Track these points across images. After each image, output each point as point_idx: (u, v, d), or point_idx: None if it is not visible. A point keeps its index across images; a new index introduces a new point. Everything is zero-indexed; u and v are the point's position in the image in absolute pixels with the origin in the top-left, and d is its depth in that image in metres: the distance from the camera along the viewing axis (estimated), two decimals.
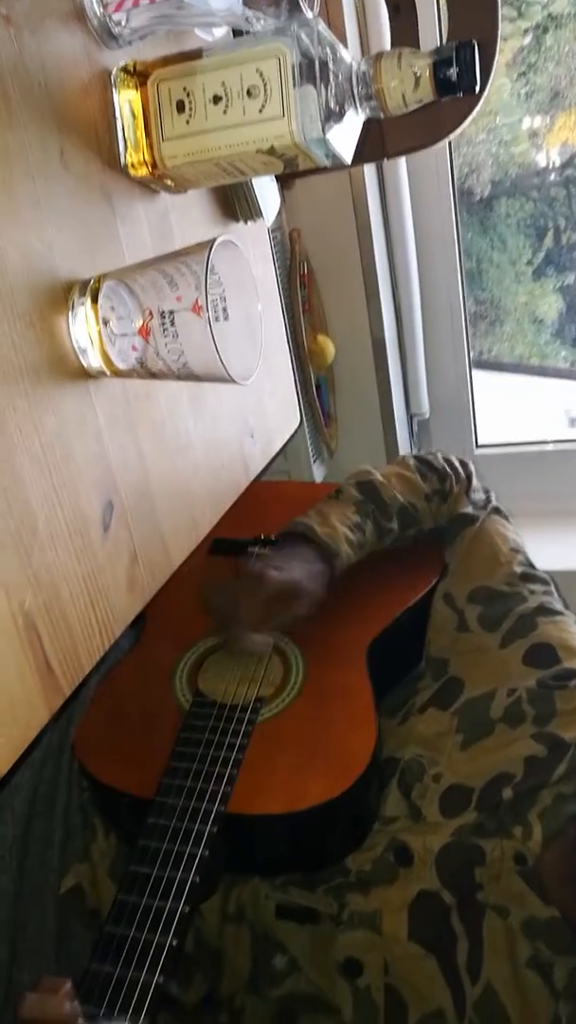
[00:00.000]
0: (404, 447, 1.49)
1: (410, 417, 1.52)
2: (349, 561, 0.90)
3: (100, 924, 0.83)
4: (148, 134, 0.61)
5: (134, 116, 0.61)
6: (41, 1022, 0.56)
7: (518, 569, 0.92)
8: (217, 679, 0.89)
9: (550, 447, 1.59)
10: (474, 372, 1.61)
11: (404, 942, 0.74)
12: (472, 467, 1.03)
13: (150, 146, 0.61)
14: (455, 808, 0.79)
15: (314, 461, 1.40)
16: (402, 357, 1.47)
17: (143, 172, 0.62)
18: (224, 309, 0.61)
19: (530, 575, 0.92)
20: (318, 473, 1.42)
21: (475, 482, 1.01)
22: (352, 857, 0.80)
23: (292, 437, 1.05)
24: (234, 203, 0.78)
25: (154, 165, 0.62)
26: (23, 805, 0.87)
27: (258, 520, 1.02)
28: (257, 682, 0.88)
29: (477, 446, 1.59)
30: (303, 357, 1.32)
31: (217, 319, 0.60)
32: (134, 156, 0.62)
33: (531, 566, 0.94)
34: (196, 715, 0.84)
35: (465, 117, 0.96)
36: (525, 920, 0.73)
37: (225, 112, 0.59)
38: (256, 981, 0.81)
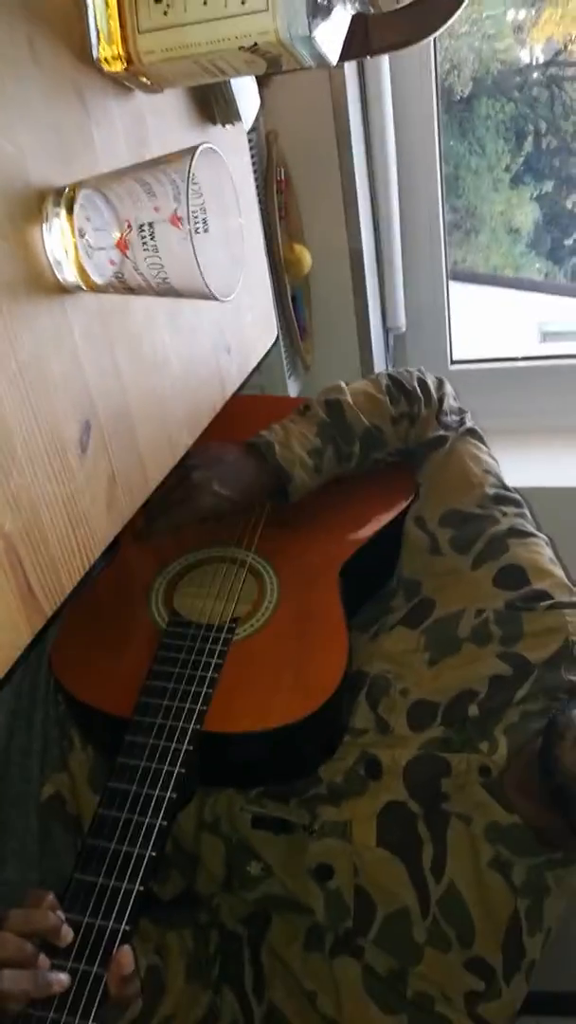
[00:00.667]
0: (379, 362, 1.47)
1: (386, 331, 1.49)
2: (304, 486, 0.90)
3: (81, 831, 0.86)
4: (123, 25, 0.57)
5: (107, 4, 0.57)
6: (28, 934, 0.58)
7: (490, 491, 0.93)
8: (193, 598, 0.90)
9: (521, 364, 1.58)
10: (449, 284, 1.58)
11: (373, 848, 0.78)
12: (448, 387, 1.02)
13: (124, 39, 0.57)
14: (421, 722, 0.82)
15: (289, 376, 1.37)
16: (379, 269, 1.43)
17: (117, 68, 0.58)
18: (204, 221, 0.58)
19: (502, 497, 0.93)
20: (293, 388, 1.39)
21: (449, 403, 1.00)
22: (324, 769, 0.82)
23: (269, 352, 1.03)
24: (212, 105, 0.74)
25: (129, 61, 0.58)
26: (3, 715, 0.88)
27: (233, 435, 1.00)
28: (232, 601, 0.89)
29: (452, 362, 1.57)
30: (279, 267, 1.28)
31: (197, 232, 0.58)
32: (108, 50, 0.57)
33: (504, 488, 0.94)
34: (172, 634, 0.85)
35: (456, 8, 0.90)
36: (488, 826, 0.77)
37: (205, 3, 0.55)
38: (231, 884, 0.85)
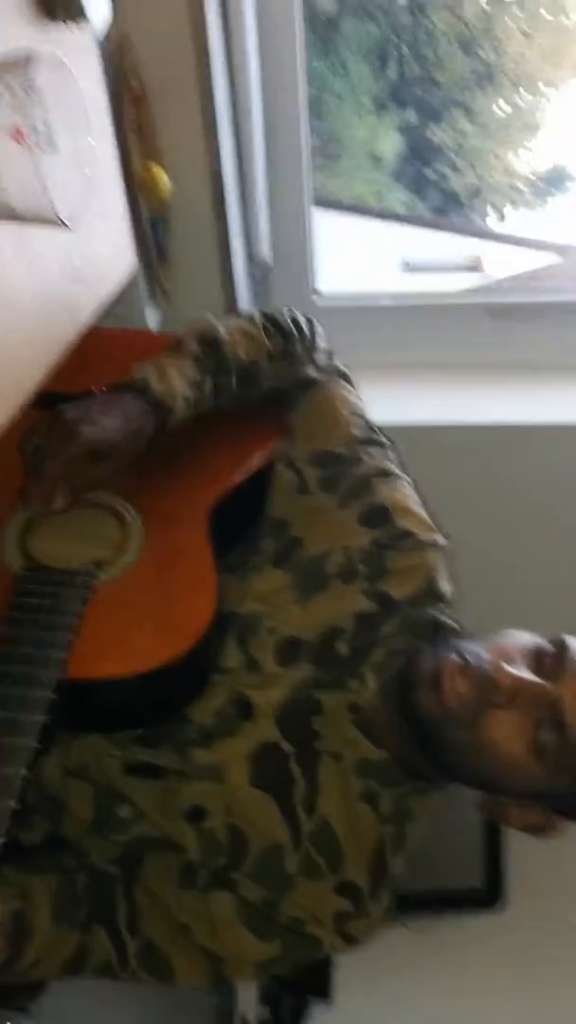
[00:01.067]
0: (243, 292, 1.42)
1: (250, 261, 1.45)
2: (183, 419, 0.86)
3: None
4: None
5: None
6: None
7: (358, 433, 0.93)
8: (49, 542, 0.85)
9: (386, 299, 1.58)
10: (313, 213, 1.54)
11: (246, 788, 0.79)
12: (318, 327, 1.00)
13: None
14: (290, 659, 0.83)
15: (148, 306, 1.31)
16: (242, 194, 1.38)
17: None
18: (49, 137, 0.53)
19: (370, 439, 0.93)
20: (152, 319, 1.33)
21: (320, 343, 0.99)
22: (193, 710, 0.82)
23: (125, 281, 0.97)
24: None
25: None
26: None
27: (91, 370, 0.95)
28: (94, 545, 0.85)
29: (317, 294, 1.55)
30: (134, 190, 1.20)
31: (40, 147, 0.52)
32: None
33: (371, 429, 0.95)
34: (28, 580, 0.81)
35: None
36: (358, 762, 0.79)
37: None
38: (100, 828, 0.84)
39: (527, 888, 1.64)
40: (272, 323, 0.94)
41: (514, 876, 1.65)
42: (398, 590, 0.84)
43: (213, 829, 0.79)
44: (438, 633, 0.83)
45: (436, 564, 0.86)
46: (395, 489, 0.89)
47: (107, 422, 0.80)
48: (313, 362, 0.96)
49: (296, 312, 0.98)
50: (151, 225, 1.26)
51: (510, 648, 0.75)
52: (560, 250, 3.00)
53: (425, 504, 0.90)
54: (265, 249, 1.44)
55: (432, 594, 0.85)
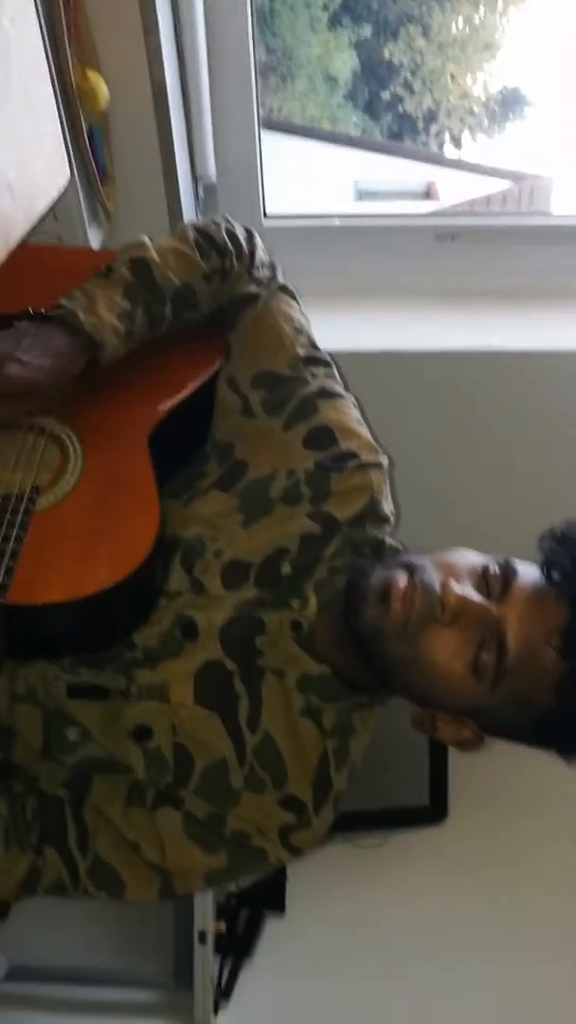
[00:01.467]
0: (189, 213, 1.38)
1: (195, 180, 1.40)
2: (116, 353, 0.84)
3: None
4: None
5: None
6: None
7: (301, 352, 0.91)
8: None
9: (337, 222, 1.54)
10: (263, 133, 1.49)
11: (190, 706, 0.80)
12: (257, 239, 0.97)
13: None
14: (235, 581, 0.83)
15: (89, 225, 1.26)
16: (186, 109, 1.32)
17: None
18: None
19: (313, 358, 0.91)
20: (94, 238, 1.28)
21: (259, 256, 0.96)
22: (139, 633, 0.82)
23: (61, 195, 0.93)
24: None
25: None
26: None
27: (28, 289, 0.91)
28: (32, 471, 0.83)
29: (265, 216, 1.51)
30: (71, 97, 1.14)
31: None
32: None
33: (314, 348, 0.93)
34: None
35: None
36: (300, 678, 0.80)
37: None
38: (49, 751, 0.84)
39: (470, 804, 1.70)
40: (206, 239, 0.91)
41: (458, 794, 1.71)
42: (342, 511, 0.84)
43: (159, 748, 0.80)
44: (380, 553, 0.83)
45: (379, 485, 0.86)
46: (339, 410, 0.88)
47: (36, 362, 0.79)
48: (252, 277, 0.93)
49: (233, 223, 0.95)
50: (89, 137, 1.21)
51: (458, 566, 0.75)
52: (515, 177, 2.97)
53: (369, 424, 0.90)
54: (211, 168, 1.40)
55: (375, 515, 0.85)
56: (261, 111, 1.46)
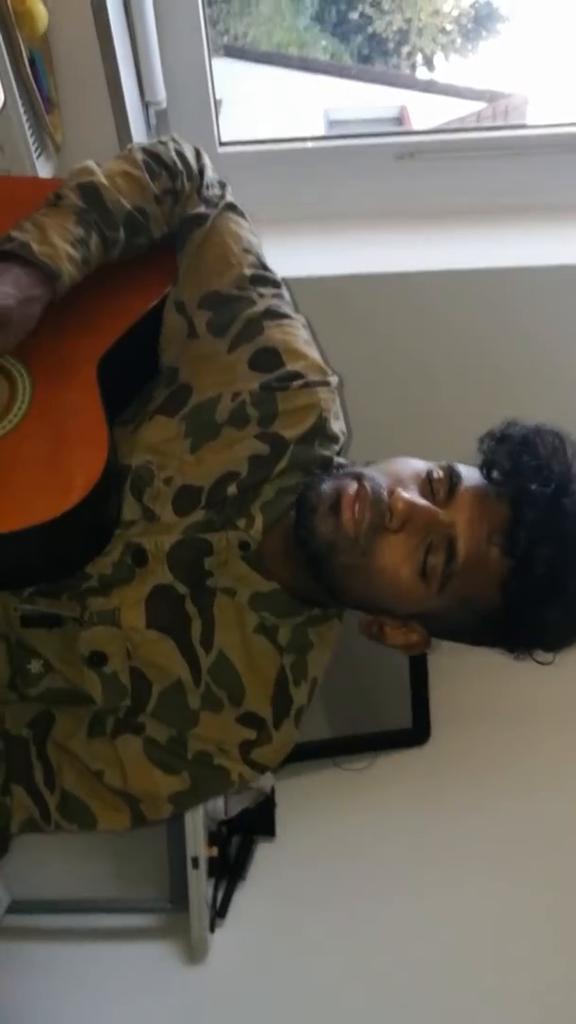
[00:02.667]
0: (140, 140, 1.34)
1: (145, 106, 1.36)
2: (72, 282, 0.82)
3: None
4: None
5: None
6: None
7: (248, 272, 0.89)
8: None
9: (309, 144, 1.50)
10: (228, 62, 1.44)
11: (143, 630, 0.81)
12: (206, 158, 0.95)
13: None
14: (187, 507, 0.83)
15: (37, 156, 1.23)
16: (131, 32, 1.28)
17: None
18: None
19: (260, 277, 0.90)
20: (44, 169, 1.25)
21: (208, 175, 0.94)
22: (93, 564, 0.83)
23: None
24: None
25: None
26: None
27: None
28: None
29: (221, 143, 1.47)
30: (7, 21, 1.10)
31: None
32: None
33: (263, 267, 0.91)
34: None
35: None
36: (251, 596, 0.81)
37: None
38: (14, 684, 0.86)
39: (451, 724, 1.74)
40: (156, 160, 0.89)
41: (439, 715, 1.75)
42: (290, 431, 0.84)
43: (115, 673, 0.81)
44: (326, 469, 0.83)
45: (327, 404, 0.86)
46: (285, 330, 0.87)
47: (1, 288, 0.77)
48: (202, 197, 0.92)
49: (182, 143, 0.93)
50: (30, 64, 1.17)
51: (404, 474, 0.76)
52: (490, 97, 2.87)
53: (317, 343, 0.89)
54: (160, 93, 1.35)
55: (324, 433, 0.85)
56: (218, 36, 1.41)
